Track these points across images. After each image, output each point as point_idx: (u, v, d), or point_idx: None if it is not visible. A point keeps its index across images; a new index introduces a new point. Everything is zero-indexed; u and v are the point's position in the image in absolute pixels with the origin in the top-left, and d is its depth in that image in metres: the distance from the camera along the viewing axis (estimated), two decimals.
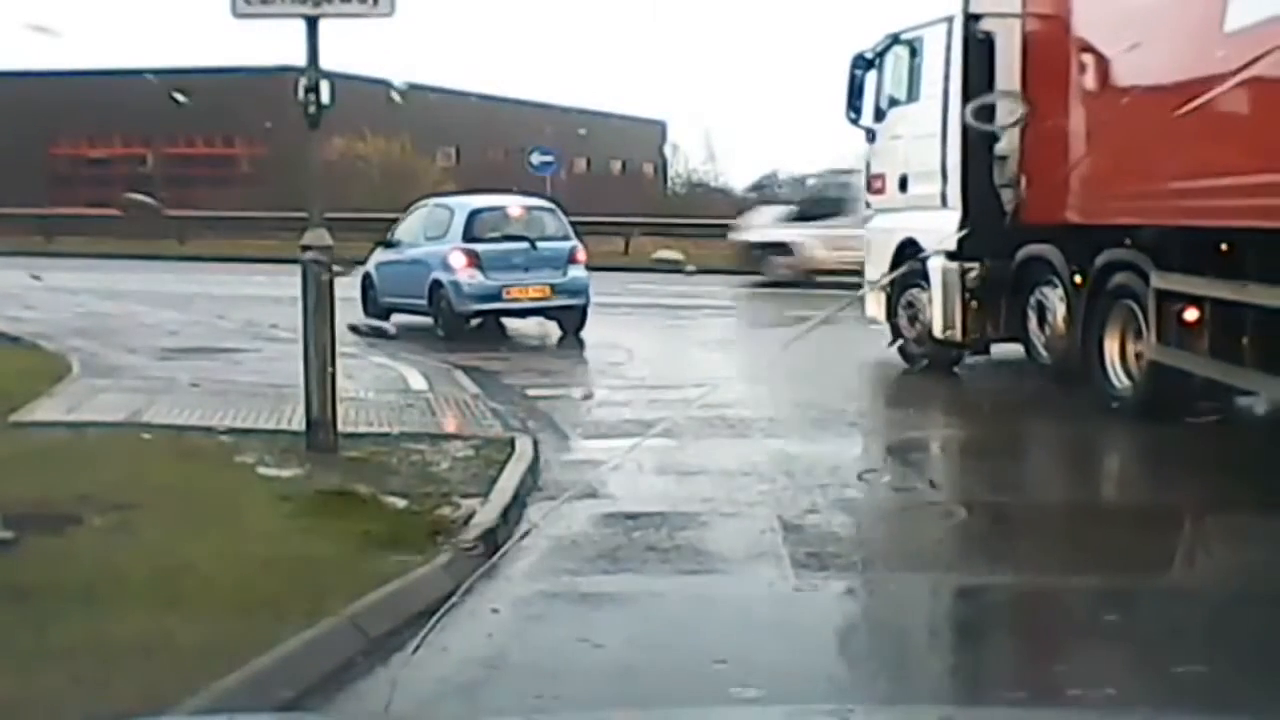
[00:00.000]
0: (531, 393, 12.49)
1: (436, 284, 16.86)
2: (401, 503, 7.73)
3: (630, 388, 13.08)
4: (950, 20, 12.93)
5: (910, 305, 13.78)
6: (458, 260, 16.75)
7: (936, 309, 13.13)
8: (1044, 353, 12.40)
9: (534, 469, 8.91)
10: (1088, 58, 11.10)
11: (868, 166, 14.91)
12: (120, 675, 4.88)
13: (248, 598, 5.79)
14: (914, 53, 13.68)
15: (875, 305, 14.41)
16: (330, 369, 9.03)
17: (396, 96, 22.89)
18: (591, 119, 44.75)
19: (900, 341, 14.12)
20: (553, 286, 16.87)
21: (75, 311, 18.44)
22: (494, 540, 7.18)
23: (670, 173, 46.83)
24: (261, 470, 8.45)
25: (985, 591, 6.91)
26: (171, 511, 7.16)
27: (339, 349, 9.46)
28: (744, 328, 19.45)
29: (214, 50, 36.89)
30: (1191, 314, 9.66)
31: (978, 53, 12.59)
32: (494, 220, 17.47)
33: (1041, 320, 12.33)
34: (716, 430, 10.67)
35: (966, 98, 12.51)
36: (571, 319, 17.08)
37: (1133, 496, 9.04)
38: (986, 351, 13.58)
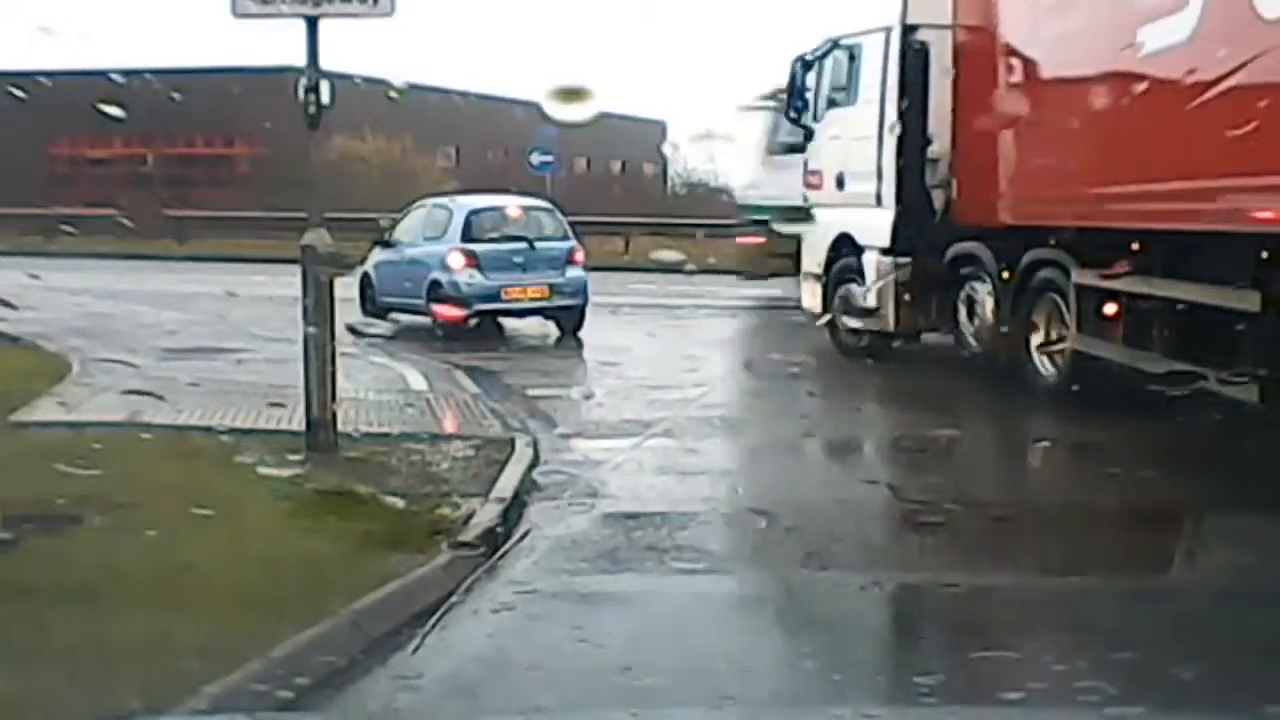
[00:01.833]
0: (531, 392, 12.49)
1: (435, 284, 16.86)
2: (401, 503, 7.73)
3: (630, 388, 13.08)
4: (888, 30, 13.55)
5: (846, 299, 14.41)
6: (456, 260, 16.76)
7: (871, 302, 13.86)
8: (973, 342, 13.13)
9: (534, 469, 8.91)
10: (1014, 71, 11.91)
11: (805, 163, 15.50)
12: (120, 675, 4.87)
13: (248, 597, 5.78)
14: (853, 58, 14.28)
15: (811, 297, 15.25)
16: (330, 369, 9.04)
17: (395, 95, 22.89)
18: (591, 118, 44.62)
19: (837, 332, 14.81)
20: (551, 287, 16.88)
21: (75, 311, 18.41)
22: (494, 540, 7.19)
23: (670, 173, 46.79)
24: (261, 470, 8.44)
25: (987, 592, 6.91)
26: (171, 511, 7.14)
27: (339, 349, 9.46)
28: (743, 328, 19.47)
29: (214, 50, 36.86)
30: (1109, 307, 10.37)
31: (914, 61, 13.27)
32: (492, 220, 17.47)
33: (971, 312, 13.06)
34: (716, 430, 10.68)
35: (902, 103, 13.25)
36: (570, 319, 17.08)
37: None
38: (917, 340, 14.28)
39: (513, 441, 9.58)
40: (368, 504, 7.62)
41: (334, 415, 9.10)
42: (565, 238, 17.53)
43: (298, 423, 9.38)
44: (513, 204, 18.24)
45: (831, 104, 14.67)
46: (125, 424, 9.89)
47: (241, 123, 40.82)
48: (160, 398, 10.24)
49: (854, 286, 14.22)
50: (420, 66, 49.27)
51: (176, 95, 27.19)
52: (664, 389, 12.71)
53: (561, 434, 10.54)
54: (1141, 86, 9.42)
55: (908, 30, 13.33)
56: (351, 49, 12.34)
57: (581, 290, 17.09)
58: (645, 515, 7.94)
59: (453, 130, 44.47)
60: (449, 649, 5.65)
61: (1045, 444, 10.77)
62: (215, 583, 5.97)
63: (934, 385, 13.31)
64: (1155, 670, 5.18)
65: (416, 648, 5.62)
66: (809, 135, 15.18)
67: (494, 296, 16.72)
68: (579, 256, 17.39)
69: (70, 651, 5.10)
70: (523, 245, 17.00)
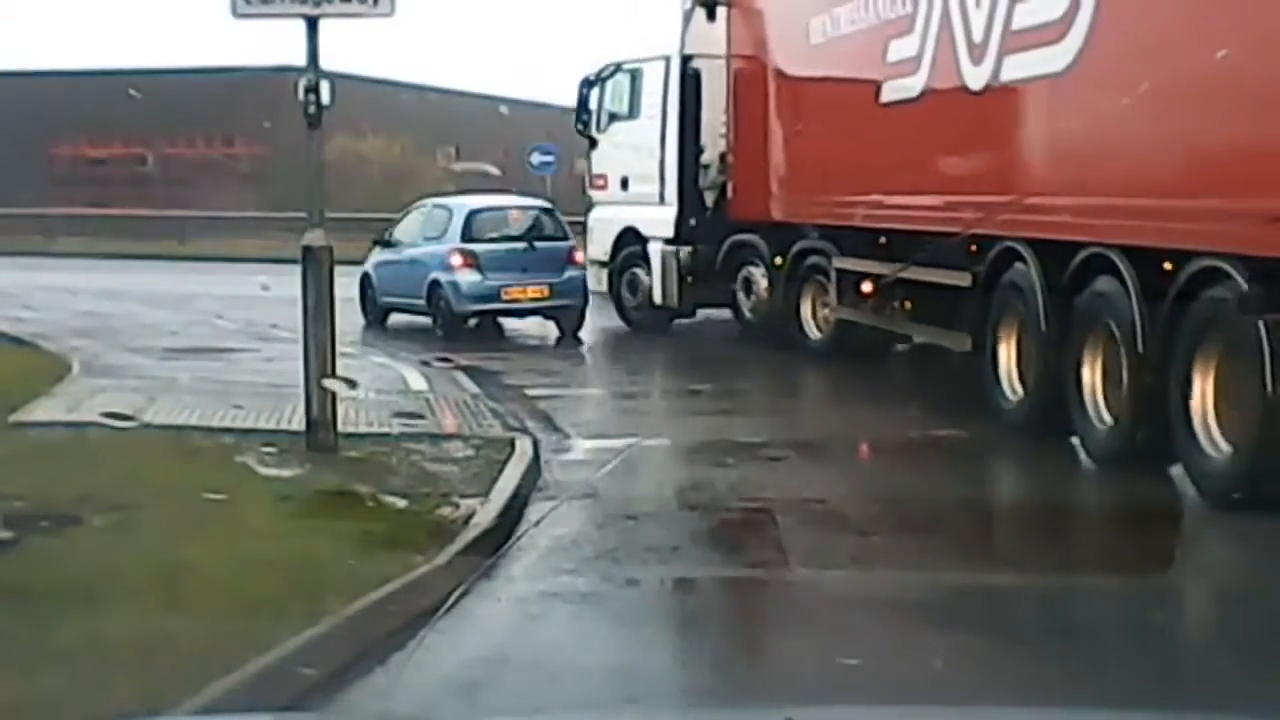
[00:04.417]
0: (531, 392, 12.48)
1: (435, 284, 16.85)
2: (401, 503, 7.72)
3: (630, 387, 13.08)
4: (668, 58, 16.40)
5: (633, 281, 17.04)
6: (456, 260, 16.75)
7: (656, 284, 16.52)
8: (750, 316, 15.89)
9: (534, 469, 8.91)
10: (784, 96, 14.61)
11: (589, 167, 18.32)
12: (120, 675, 4.87)
13: (248, 598, 5.78)
14: (634, 79, 17.06)
15: (596, 281, 17.51)
16: (330, 369, 9.03)
17: (135, 93, 22.58)
18: None
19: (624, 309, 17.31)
20: (551, 287, 16.87)
21: (75, 311, 18.42)
22: (494, 540, 7.18)
23: None
24: (261, 470, 8.44)
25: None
26: (172, 511, 7.15)
27: (339, 349, 9.45)
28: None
29: (214, 50, 36.88)
30: (865, 285, 12.76)
31: (689, 85, 16.19)
32: (492, 221, 17.47)
33: (748, 291, 15.80)
34: (715, 427, 10.68)
35: (682, 119, 16.16)
36: (570, 319, 17.07)
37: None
38: (693, 315, 16.79)
39: (513, 441, 9.57)
40: (368, 504, 7.62)
41: (334, 415, 9.09)
42: (564, 238, 17.53)
43: (298, 423, 9.38)
44: (512, 204, 18.24)
45: (614, 118, 17.37)
46: (125, 424, 9.88)
47: (241, 123, 40.86)
48: (158, 397, 10.24)
49: (640, 271, 16.87)
50: (420, 66, 49.31)
51: (131, 91, 27.02)
52: (664, 388, 12.71)
53: (562, 434, 10.54)
54: (882, 125, 12.25)
55: (685, 59, 16.15)
56: (351, 49, 12.36)
57: (581, 290, 17.10)
58: (645, 515, 7.95)
59: (453, 130, 44.52)
60: (449, 649, 5.65)
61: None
62: (215, 583, 5.96)
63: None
64: None
65: (416, 648, 5.62)
66: (593, 144, 17.86)
67: (494, 296, 16.72)
68: (578, 256, 17.39)
69: (70, 651, 5.10)
70: (522, 245, 17.00)
